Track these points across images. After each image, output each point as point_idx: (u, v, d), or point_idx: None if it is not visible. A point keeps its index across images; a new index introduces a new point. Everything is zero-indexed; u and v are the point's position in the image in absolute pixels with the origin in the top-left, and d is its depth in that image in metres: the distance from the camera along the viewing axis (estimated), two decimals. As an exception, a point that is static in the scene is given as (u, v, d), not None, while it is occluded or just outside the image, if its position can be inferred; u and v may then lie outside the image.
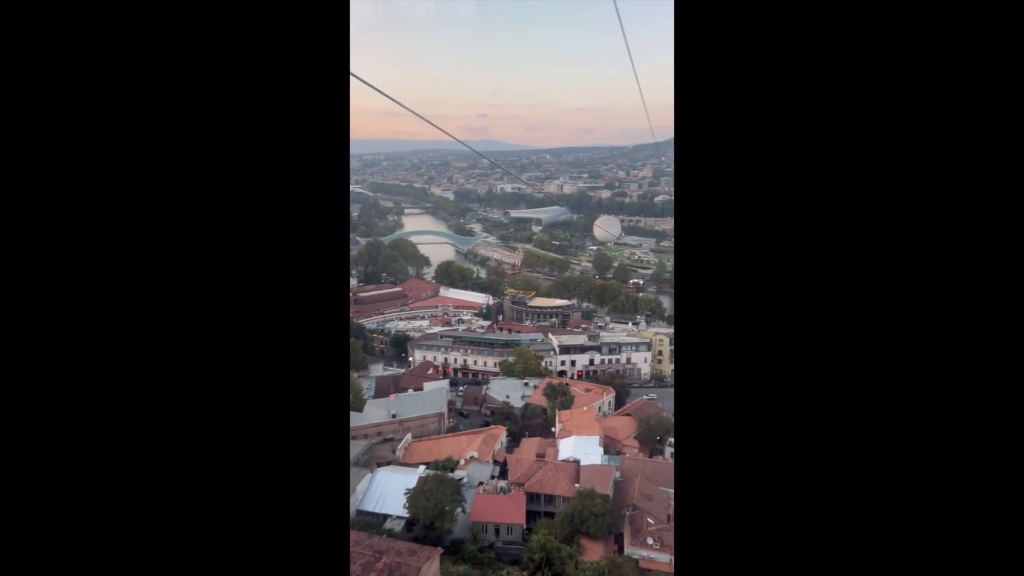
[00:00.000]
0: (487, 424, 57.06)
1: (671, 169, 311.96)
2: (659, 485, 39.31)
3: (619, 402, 62.76)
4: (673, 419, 55.29)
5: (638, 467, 41.31)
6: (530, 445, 48.29)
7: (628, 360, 76.88)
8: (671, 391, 71.15)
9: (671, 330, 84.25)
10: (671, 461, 45.77)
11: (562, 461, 42.54)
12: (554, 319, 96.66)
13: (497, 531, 37.34)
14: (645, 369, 77.11)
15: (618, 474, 40.23)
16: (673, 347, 77.35)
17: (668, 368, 77.42)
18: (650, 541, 33.13)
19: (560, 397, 56.03)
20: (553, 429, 53.08)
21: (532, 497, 39.42)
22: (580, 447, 44.53)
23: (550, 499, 39.37)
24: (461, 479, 40.41)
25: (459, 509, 36.14)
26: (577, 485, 38.20)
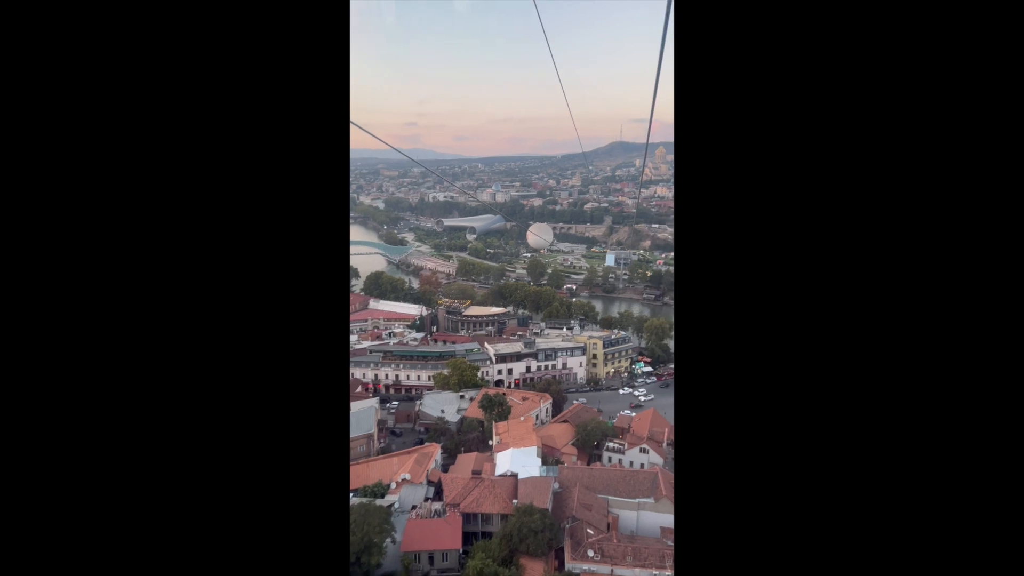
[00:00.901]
0: (421, 442, 54.24)
1: (599, 177, 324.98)
2: (597, 492, 38.74)
3: (556, 408, 62.26)
4: (609, 423, 55.66)
5: (576, 476, 40.55)
6: (466, 461, 46.20)
7: (564, 365, 77.04)
8: (606, 394, 72.19)
9: (604, 333, 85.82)
10: (608, 466, 45.55)
11: (499, 476, 40.87)
12: (490, 328, 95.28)
13: (431, 559, 34.86)
14: (581, 373, 77.64)
15: (557, 485, 39.21)
16: (605, 350, 78.75)
17: (602, 371, 78.53)
18: (591, 553, 32.23)
19: (497, 408, 54.46)
20: (490, 442, 51.34)
21: (469, 518, 37.34)
22: (518, 459, 43.12)
23: (488, 518, 37.51)
24: (392, 505, 37.57)
25: (389, 539, 33.34)
26: (515, 501, 36.67)
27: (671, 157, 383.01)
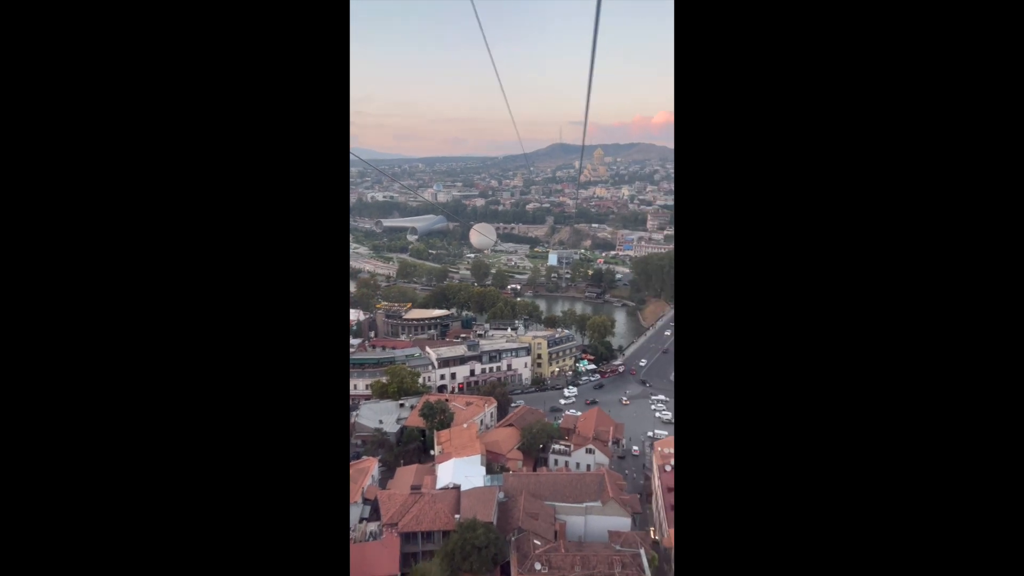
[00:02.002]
0: (357, 456, 50.40)
1: (540, 178, 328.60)
2: (544, 499, 37.30)
3: (501, 412, 60.52)
4: (555, 424, 54.65)
5: (522, 483, 38.91)
6: (406, 475, 43.29)
7: (509, 367, 75.53)
8: (552, 394, 71.48)
9: (548, 332, 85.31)
10: (554, 471, 44.29)
11: (440, 490, 38.40)
12: (432, 331, 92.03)
13: (367, 587, 31.77)
14: (526, 374, 76.47)
15: (502, 495, 37.37)
16: (550, 349, 78.14)
17: (547, 370, 77.83)
18: (538, 566, 30.62)
19: (439, 415, 51.84)
20: (432, 452, 48.68)
21: (408, 537, 34.61)
22: (461, 470, 40.84)
23: (428, 536, 34.95)
24: (321, 531, 34.00)
25: (317, 572, 29.94)
26: (458, 516, 34.40)
27: (608, 159, 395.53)
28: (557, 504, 36.88)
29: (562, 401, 68.35)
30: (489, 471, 41.89)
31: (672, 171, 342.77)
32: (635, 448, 55.94)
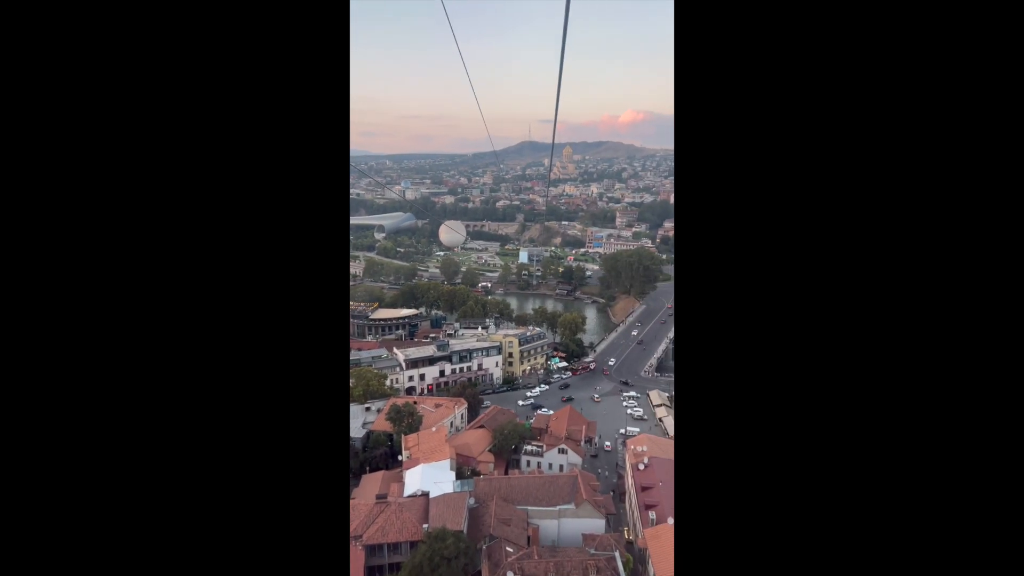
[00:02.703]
0: (320, 465, 47.86)
1: (510, 176, 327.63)
2: (516, 504, 36.10)
3: (472, 413, 59.03)
4: (527, 424, 53.57)
5: (494, 487, 37.57)
6: (371, 483, 41.30)
7: (480, 366, 74.09)
8: (523, 393, 70.43)
9: (519, 330, 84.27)
10: (527, 473, 43.15)
11: (408, 498, 36.65)
12: (400, 331, 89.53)
13: (329, 606, 29.83)
14: (497, 373, 75.19)
15: (472, 500, 35.96)
16: (521, 347, 77.09)
17: (518, 369, 76.79)
18: (510, 575, 29.37)
19: (407, 419, 49.88)
20: (400, 457, 46.75)
21: (373, 550, 32.76)
22: (429, 475, 39.15)
23: (395, 548, 33.20)
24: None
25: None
26: (426, 526, 32.79)
27: (577, 157, 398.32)
28: (530, 508, 35.76)
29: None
30: (459, 476, 40.39)
31: (639, 169, 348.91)
32: (607, 444, 55.53)
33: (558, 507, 35.76)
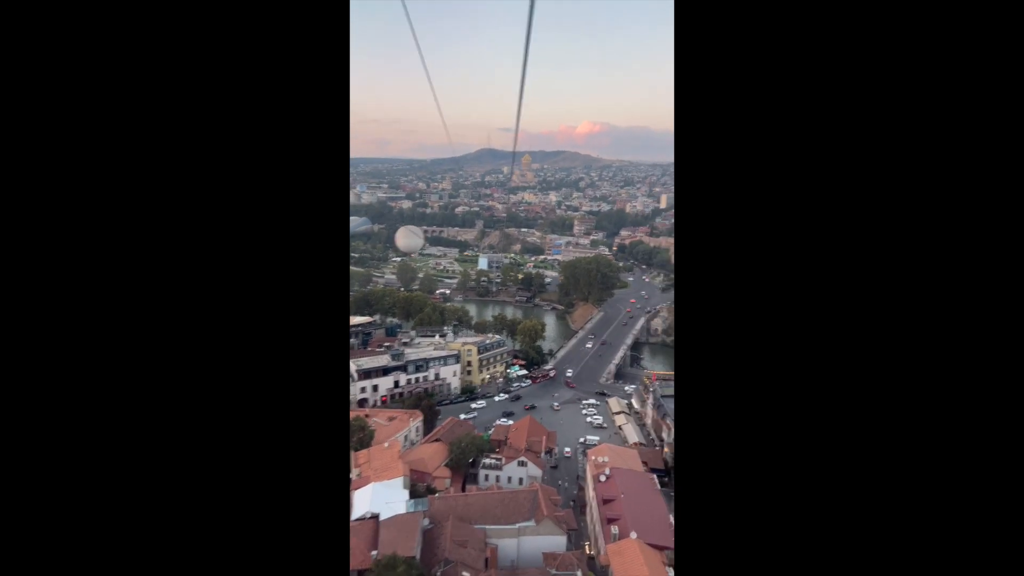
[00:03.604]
0: (260, 487, 44.05)
1: (469, 182, 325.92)
2: (473, 523, 34.11)
3: (428, 426, 56.43)
4: (485, 436, 51.65)
5: (449, 506, 35.43)
6: (317, 506, 38.04)
7: (437, 376, 71.49)
8: (482, 404, 68.45)
9: (479, 338, 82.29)
10: (484, 490, 41.14)
11: (356, 521, 33.85)
12: (353, 340, 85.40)
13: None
14: (455, 383, 72.82)
15: (426, 521, 33.65)
16: (480, 356, 75.16)
17: (477, 378, 74.77)
18: (466, 603, 27.37)
19: (358, 434, 46.79)
20: (350, 476, 43.61)
21: (316, 582, 29.83)
22: (380, 496, 36.48)
23: (341, 578, 30.39)
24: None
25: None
26: (375, 553, 30.20)
27: (536, 165, 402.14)
28: (488, 527, 33.87)
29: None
30: (413, 494, 37.92)
31: (595, 179, 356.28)
32: (567, 449, 54.64)
33: (517, 525, 34.07)
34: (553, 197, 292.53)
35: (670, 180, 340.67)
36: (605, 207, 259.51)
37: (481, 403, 68.43)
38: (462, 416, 62.19)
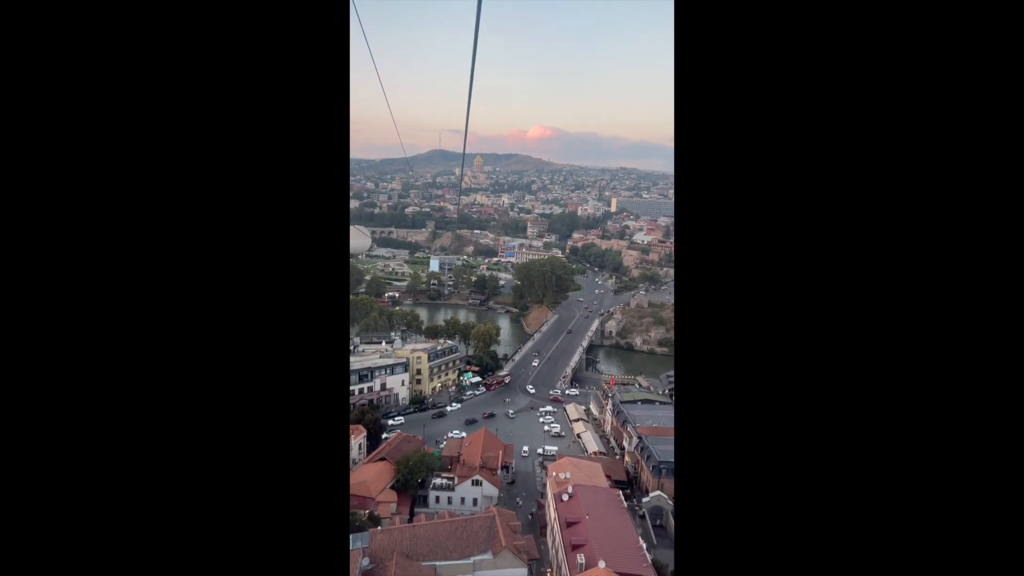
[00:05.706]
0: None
1: (420, 183, 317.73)
2: (422, 558, 29.78)
3: (373, 442, 51.21)
4: (436, 452, 47.23)
5: (394, 540, 30.86)
6: (235, 547, 32.29)
7: (383, 386, 66.06)
8: (430, 413, 63.75)
9: (429, 344, 77.40)
10: (435, 518, 36.65)
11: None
12: (290, 348, 78.05)
13: None
14: (403, 393, 67.66)
15: (366, 560, 28.98)
16: (431, 363, 70.42)
17: (428, 387, 69.96)
18: (413, 663, 23.05)
19: (289, 457, 41.07)
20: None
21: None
22: (312, 532, 31.36)
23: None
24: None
25: None
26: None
27: (488, 168, 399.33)
28: (438, 564, 29.65)
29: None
30: (353, 527, 33.02)
31: (547, 182, 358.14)
32: (524, 449, 52.49)
33: (472, 559, 30.06)
34: (506, 199, 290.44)
35: (619, 184, 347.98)
36: (557, 210, 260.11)
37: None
38: (390, 423, 57.01)
